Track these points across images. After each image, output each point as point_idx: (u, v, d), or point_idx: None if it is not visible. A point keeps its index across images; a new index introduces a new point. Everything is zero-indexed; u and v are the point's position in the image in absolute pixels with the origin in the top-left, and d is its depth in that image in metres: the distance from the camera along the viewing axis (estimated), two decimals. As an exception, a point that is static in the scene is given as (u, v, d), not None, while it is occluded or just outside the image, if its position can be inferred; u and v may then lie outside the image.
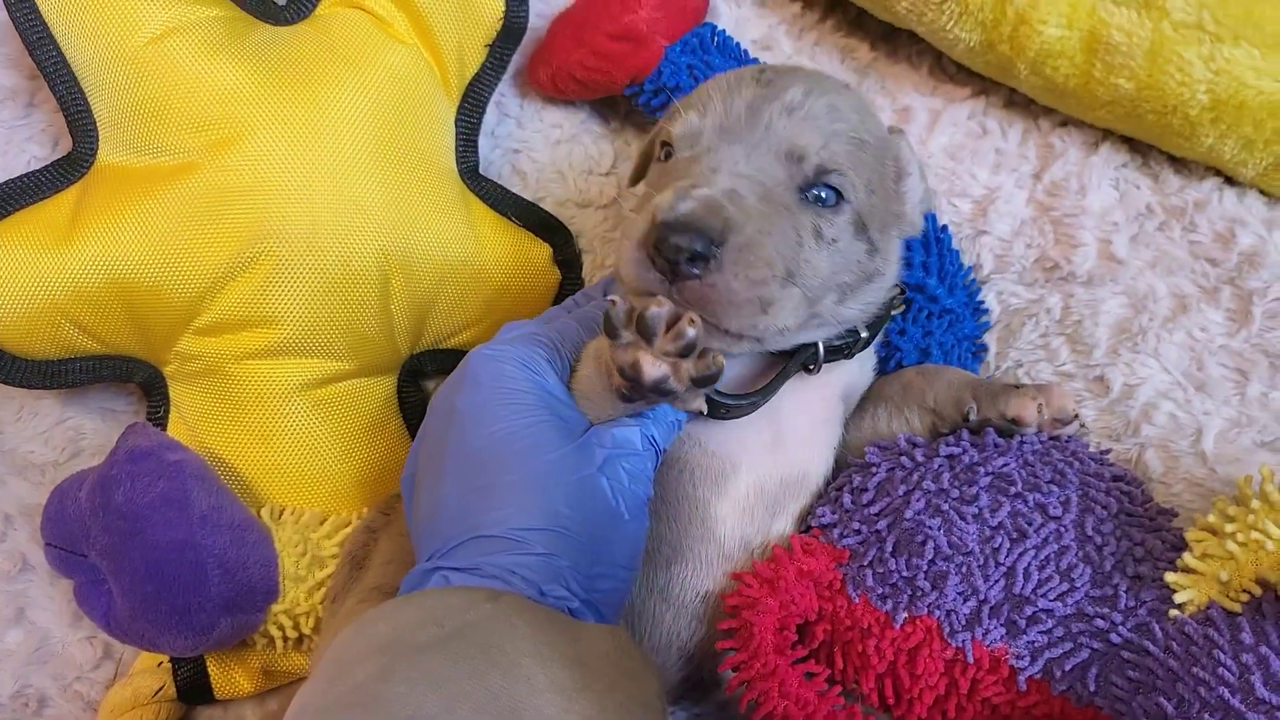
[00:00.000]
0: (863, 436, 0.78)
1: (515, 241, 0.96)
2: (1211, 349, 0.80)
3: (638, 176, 0.84)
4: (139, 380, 0.87)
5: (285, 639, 0.79)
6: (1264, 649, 0.55)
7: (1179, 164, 0.87)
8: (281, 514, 0.81)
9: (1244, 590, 0.59)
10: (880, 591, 0.68)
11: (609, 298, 0.61)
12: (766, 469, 0.73)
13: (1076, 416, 0.72)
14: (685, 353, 0.58)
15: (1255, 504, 0.60)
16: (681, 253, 0.59)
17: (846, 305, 0.70)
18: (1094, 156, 0.89)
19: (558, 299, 0.98)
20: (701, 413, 0.65)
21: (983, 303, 0.88)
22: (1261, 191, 0.84)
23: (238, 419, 0.84)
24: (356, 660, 0.52)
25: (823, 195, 0.67)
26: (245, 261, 0.82)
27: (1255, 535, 0.58)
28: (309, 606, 0.79)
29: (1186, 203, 0.85)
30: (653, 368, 0.58)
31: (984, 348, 0.87)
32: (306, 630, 0.80)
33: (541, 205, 1.00)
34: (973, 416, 0.73)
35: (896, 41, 1.02)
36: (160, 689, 0.81)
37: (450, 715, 0.47)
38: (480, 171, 0.99)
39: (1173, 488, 0.76)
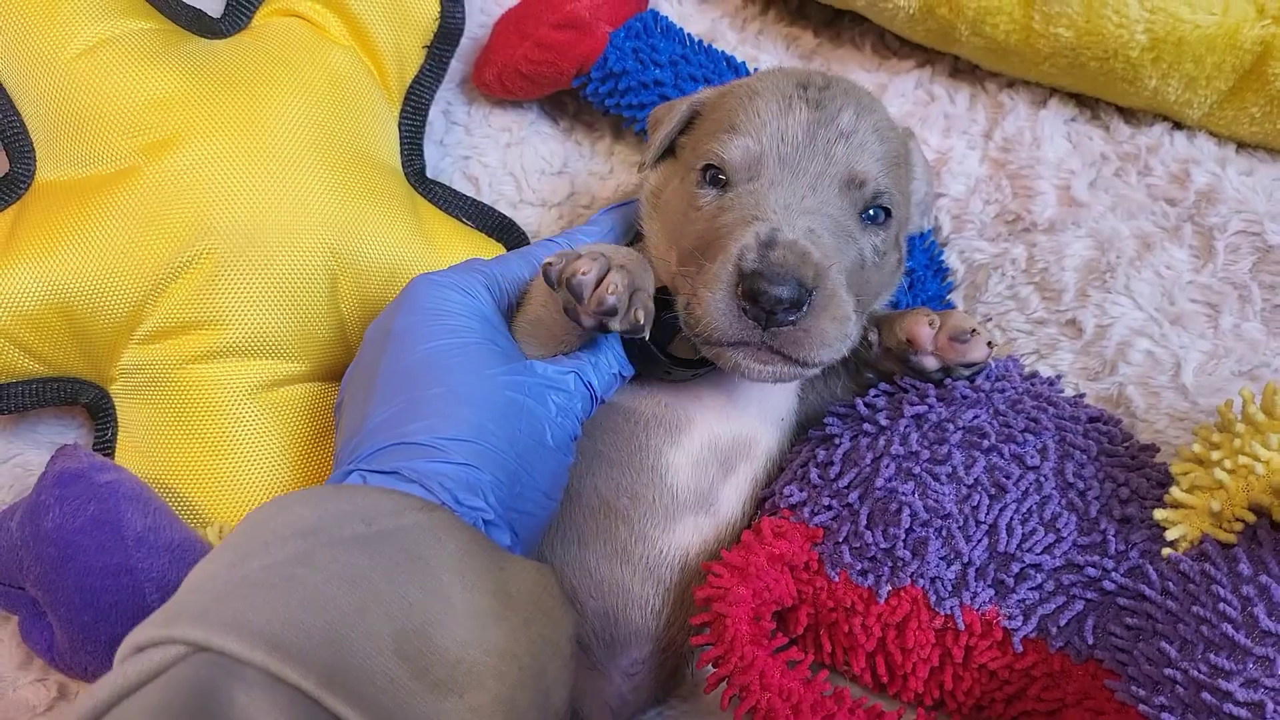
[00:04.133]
0: (809, 402, 0.77)
1: (469, 243, 0.93)
2: (1180, 284, 0.78)
3: (655, 159, 0.81)
4: (85, 401, 0.83)
5: None
6: (1264, 578, 0.52)
7: (1127, 114, 0.86)
8: (222, 531, 0.77)
9: (1237, 519, 0.56)
10: (860, 567, 0.64)
11: (546, 260, 0.63)
12: (719, 426, 0.73)
13: (974, 332, 0.70)
14: (610, 314, 0.61)
15: (1240, 428, 0.57)
16: (780, 305, 0.60)
17: (876, 307, 0.73)
18: (1043, 111, 0.87)
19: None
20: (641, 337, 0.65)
21: (944, 264, 0.85)
22: (1210, 133, 0.83)
23: (188, 429, 0.81)
24: (275, 540, 0.49)
25: (875, 215, 0.69)
26: (186, 261, 0.79)
27: (1243, 460, 0.56)
28: None
29: (1139, 148, 0.83)
30: (587, 318, 0.62)
31: (950, 306, 0.84)
32: None
33: (494, 207, 0.98)
34: (873, 338, 0.74)
35: (839, 26, 1.01)
36: None
37: (360, 615, 0.46)
38: (430, 177, 0.97)
39: (1156, 424, 0.74)
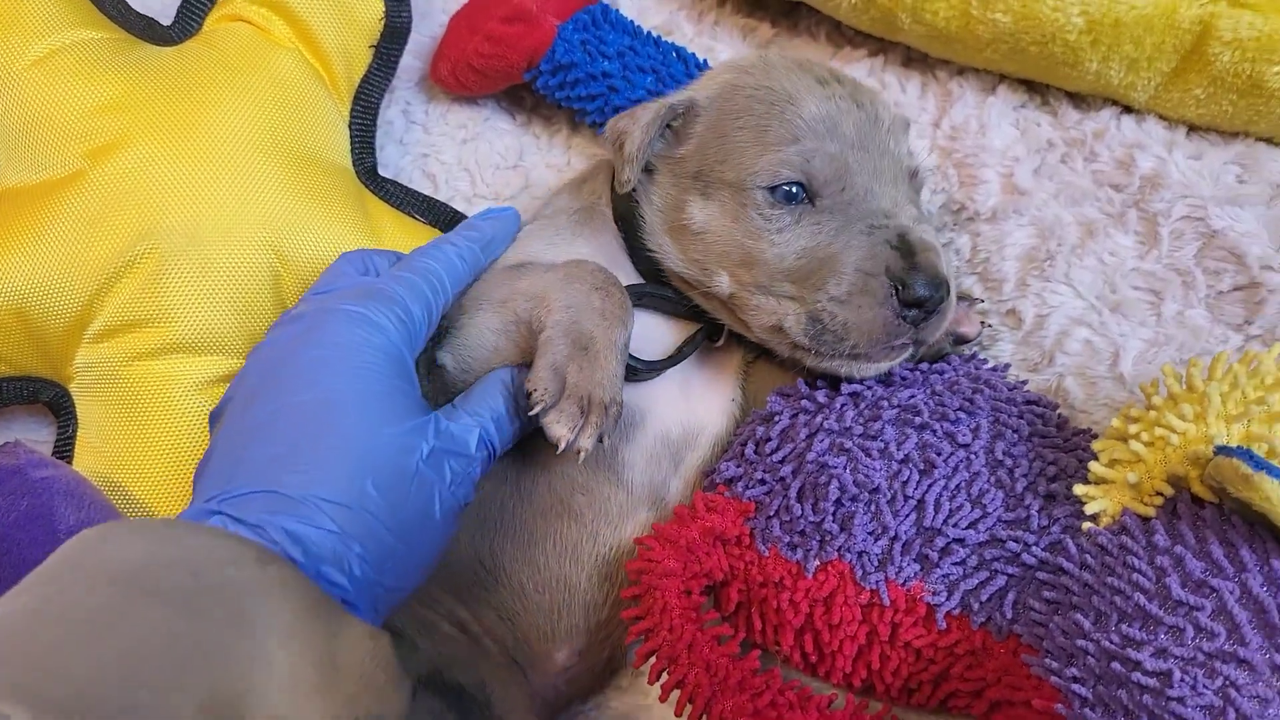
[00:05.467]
0: (755, 384, 0.77)
1: (419, 239, 0.93)
2: (1123, 272, 0.77)
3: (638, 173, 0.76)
4: (45, 400, 0.85)
5: None
6: (1179, 549, 0.52)
7: (1077, 100, 0.86)
8: None
9: (1156, 493, 0.55)
10: (788, 540, 0.64)
11: (530, 395, 0.62)
12: (670, 418, 0.73)
13: (973, 302, 0.74)
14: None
15: (1157, 400, 0.57)
16: (940, 303, 0.64)
17: None
18: (991, 98, 0.87)
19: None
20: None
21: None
22: (1160, 116, 0.82)
23: (136, 425, 0.81)
24: (90, 581, 0.46)
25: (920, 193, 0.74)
26: (129, 260, 0.81)
27: (1160, 432, 0.55)
28: None
29: (1086, 134, 0.83)
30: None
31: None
32: None
33: (450, 204, 0.99)
34: None
35: (796, 16, 1.02)
36: None
37: (169, 682, 0.42)
38: (388, 176, 0.98)
39: (1094, 414, 0.73)
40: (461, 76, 0.99)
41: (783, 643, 0.66)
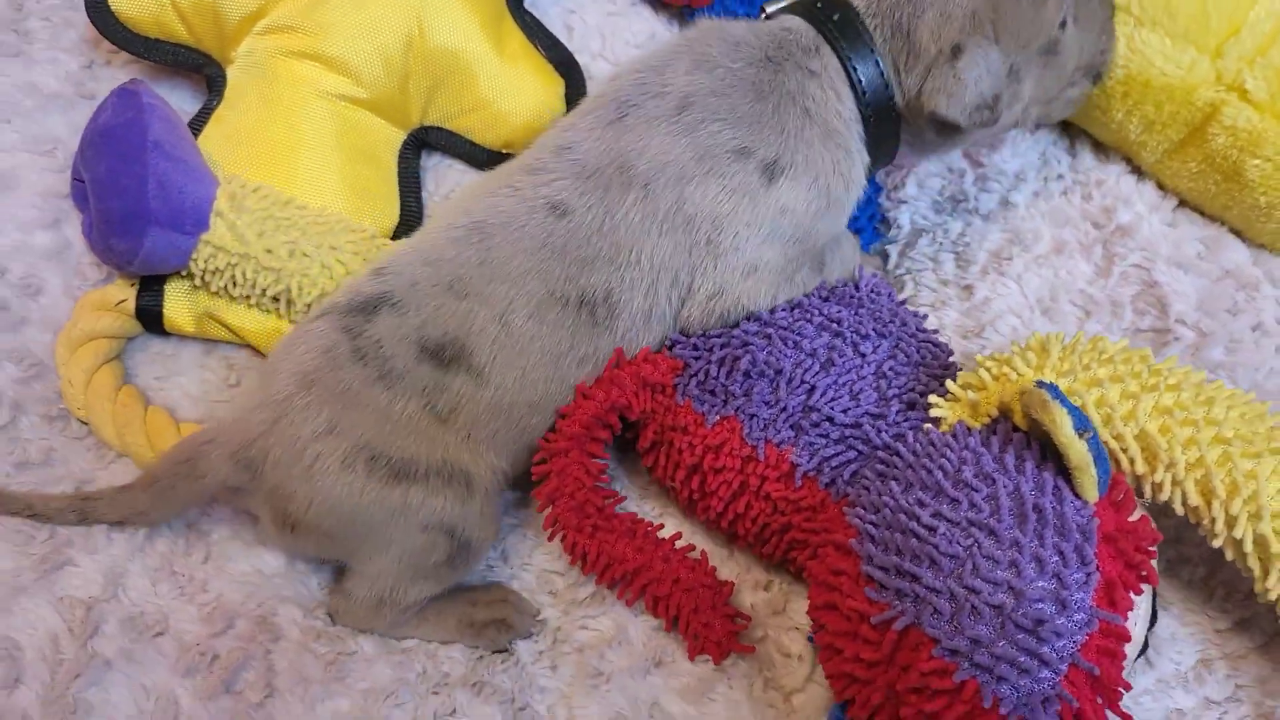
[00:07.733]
0: None
1: (535, 66, 1.06)
2: (1069, 289, 0.89)
3: None
4: (208, 74, 1.03)
5: (204, 272, 0.90)
6: (981, 450, 0.63)
7: (1098, 150, 0.97)
8: (229, 179, 0.92)
9: (988, 415, 0.67)
10: (699, 395, 0.77)
11: None
12: None
13: None
14: None
15: (1015, 348, 0.69)
16: None
17: None
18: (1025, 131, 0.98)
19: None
20: None
21: (885, 220, 0.98)
22: (1159, 185, 0.94)
23: (264, 104, 0.97)
24: None
25: None
26: None
27: (1006, 370, 0.67)
28: (225, 242, 0.89)
29: (1090, 179, 0.95)
30: None
31: (887, 256, 0.96)
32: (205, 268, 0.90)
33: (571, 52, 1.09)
34: None
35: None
36: (123, 300, 0.92)
37: None
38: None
39: (1000, 391, 0.85)
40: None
41: (676, 479, 0.79)
